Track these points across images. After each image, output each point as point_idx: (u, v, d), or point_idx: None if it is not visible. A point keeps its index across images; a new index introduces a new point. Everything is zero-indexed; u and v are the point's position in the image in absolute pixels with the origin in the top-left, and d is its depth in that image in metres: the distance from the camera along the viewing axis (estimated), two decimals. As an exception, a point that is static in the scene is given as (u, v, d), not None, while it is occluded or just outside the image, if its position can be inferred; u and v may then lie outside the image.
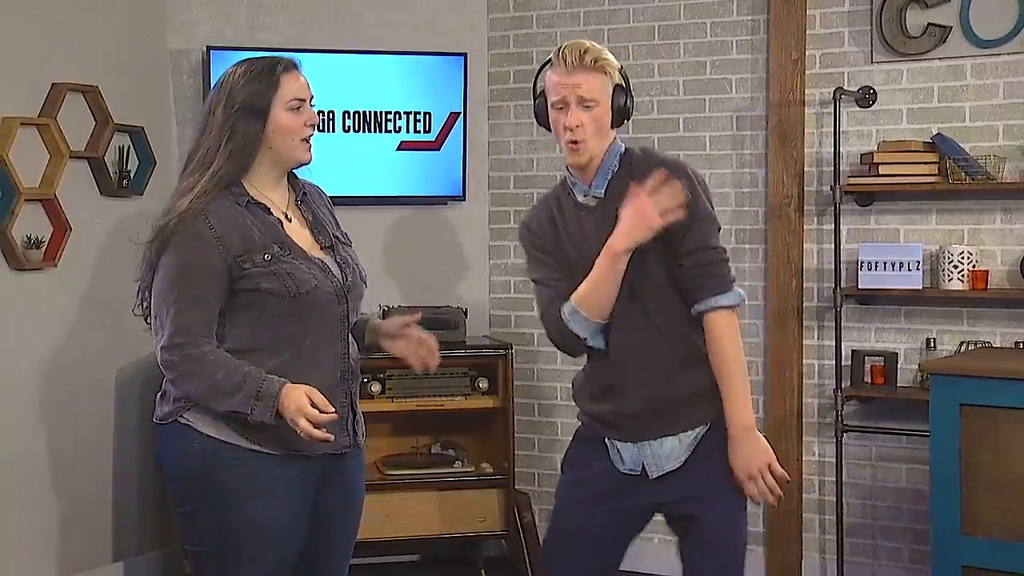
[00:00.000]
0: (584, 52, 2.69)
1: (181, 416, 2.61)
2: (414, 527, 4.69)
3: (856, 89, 4.50)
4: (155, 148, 4.65)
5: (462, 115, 4.95)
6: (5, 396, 4.17)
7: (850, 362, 4.50)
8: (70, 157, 4.31)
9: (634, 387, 2.74)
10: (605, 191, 2.75)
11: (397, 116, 4.92)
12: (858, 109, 4.51)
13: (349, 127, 4.88)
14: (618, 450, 2.78)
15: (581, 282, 2.72)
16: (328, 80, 4.74)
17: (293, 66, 2.69)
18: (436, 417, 4.82)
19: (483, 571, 4.83)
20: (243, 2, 4.92)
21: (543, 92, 2.77)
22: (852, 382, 4.49)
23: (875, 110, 4.50)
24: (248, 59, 2.71)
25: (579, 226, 2.78)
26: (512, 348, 4.77)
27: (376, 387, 4.67)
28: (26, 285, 4.23)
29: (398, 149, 4.94)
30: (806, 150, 4.60)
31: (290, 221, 2.70)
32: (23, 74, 4.20)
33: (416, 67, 4.93)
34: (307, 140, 2.69)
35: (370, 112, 4.89)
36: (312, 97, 2.70)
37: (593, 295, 2.69)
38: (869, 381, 4.47)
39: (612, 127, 2.75)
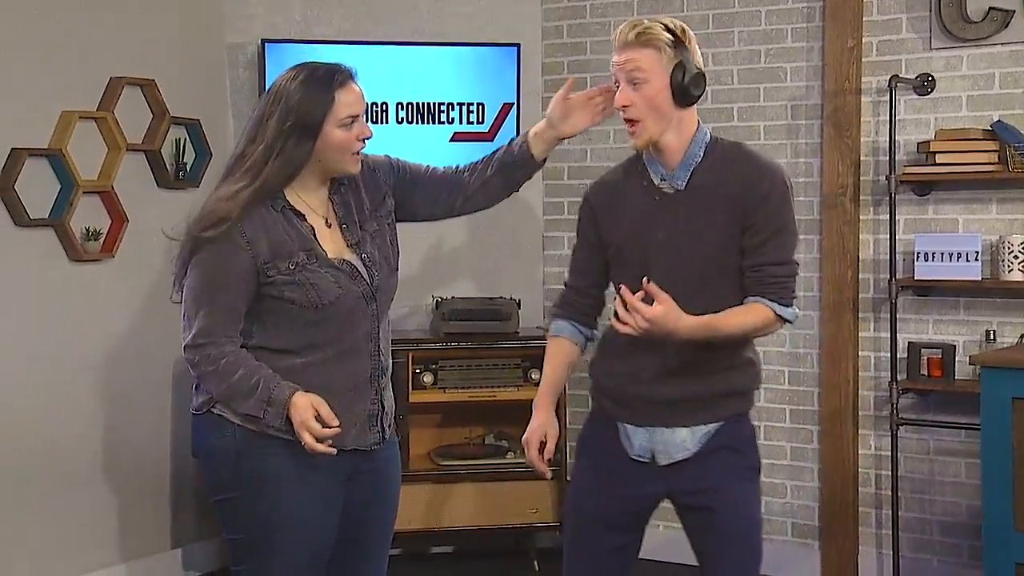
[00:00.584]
0: (632, 28, 2.59)
1: (214, 406, 2.65)
2: (466, 518, 4.71)
3: (914, 77, 4.42)
4: (211, 141, 4.70)
5: (515, 106, 4.93)
6: (65, 386, 4.26)
7: (907, 354, 4.42)
8: (127, 150, 4.39)
9: (673, 362, 2.66)
10: (687, 183, 2.66)
11: (450, 107, 4.93)
12: (916, 97, 4.43)
13: (402, 118, 4.89)
14: (628, 435, 2.74)
15: (622, 272, 2.70)
16: (381, 72, 4.79)
17: (349, 77, 2.62)
18: (488, 408, 4.82)
19: (536, 562, 4.83)
20: (298, -5, 4.97)
21: None
22: (909, 375, 4.41)
23: (933, 98, 4.41)
24: (306, 66, 2.63)
25: (646, 208, 2.68)
26: (564, 339, 4.75)
27: (428, 378, 4.69)
28: (84, 276, 4.31)
29: (451, 140, 4.94)
30: (862, 139, 4.52)
31: (329, 226, 2.67)
32: (82, 68, 4.28)
33: (469, 58, 4.94)
34: (357, 153, 2.65)
35: (423, 103, 4.91)
36: (366, 107, 2.65)
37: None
38: (926, 374, 4.39)
39: (679, 107, 2.62)
